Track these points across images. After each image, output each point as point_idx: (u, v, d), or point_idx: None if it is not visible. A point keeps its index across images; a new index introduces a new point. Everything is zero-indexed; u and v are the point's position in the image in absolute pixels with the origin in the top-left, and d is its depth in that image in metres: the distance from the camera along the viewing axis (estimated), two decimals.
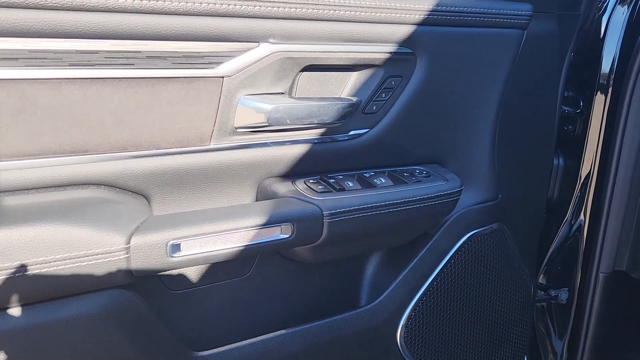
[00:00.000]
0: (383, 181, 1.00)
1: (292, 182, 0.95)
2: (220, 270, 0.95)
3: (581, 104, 1.38)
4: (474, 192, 1.16)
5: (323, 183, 0.96)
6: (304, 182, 0.96)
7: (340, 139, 0.99)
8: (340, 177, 0.99)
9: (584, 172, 1.40)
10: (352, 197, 0.93)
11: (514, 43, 1.08)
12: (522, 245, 1.28)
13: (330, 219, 0.90)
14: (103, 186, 0.82)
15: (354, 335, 1.04)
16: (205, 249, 0.81)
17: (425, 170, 1.07)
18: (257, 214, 0.85)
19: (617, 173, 1.30)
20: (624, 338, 1.56)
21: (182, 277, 0.93)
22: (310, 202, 0.90)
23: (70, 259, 0.71)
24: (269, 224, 0.85)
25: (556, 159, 1.46)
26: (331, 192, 0.94)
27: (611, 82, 1.28)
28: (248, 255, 0.87)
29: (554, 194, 1.48)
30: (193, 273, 0.93)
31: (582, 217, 1.43)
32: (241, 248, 0.84)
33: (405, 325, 1.09)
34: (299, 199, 0.90)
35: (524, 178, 1.27)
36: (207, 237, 0.81)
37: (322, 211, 0.89)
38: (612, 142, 1.30)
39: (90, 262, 0.73)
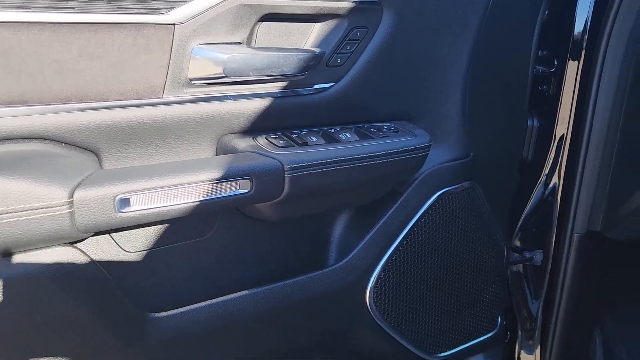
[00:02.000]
0: (348, 136, 0.96)
1: (253, 138, 0.91)
2: (179, 230, 0.92)
3: (555, 64, 1.35)
4: (445, 149, 1.13)
5: (285, 138, 0.92)
6: (266, 138, 0.92)
7: (304, 92, 0.95)
8: (304, 132, 0.95)
9: (558, 133, 1.38)
10: (315, 151, 0.89)
11: None
12: (495, 206, 1.25)
13: (292, 173, 0.86)
14: (47, 140, 0.77)
15: (321, 296, 1.01)
16: (157, 204, 0.77)
17: (393, 127, 1.03)
18: (213, 168, 0.81)
19: (590, 133, 1.28)
20: (599, 299, 1.56)
21: (137, 237, 0.89)
22: (270, 157, 0.86)
23: (6, 213, 0.67)
24: (226, 178, 0.82)
25: (530, 120, 1.43)
26: (293, 146, 0.90)
27: (585, 41, 1.25)
28: (204, 212, 0.83)
29: (528, 154, 1.46)
30: (149, 233, 0.89)
31: (556, 177, 1.41)
32: (196, 204, 0.80)
33: (375, 286, 1.06)
34: (259, 154, 0.86)
35: (497, 137, 1.24)
36: (159, 192, 0.77)
37: (282, 165, 0.86)
38: (585, 102, 1.27)
39: (30, 217, 0.68)
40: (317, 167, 0.88)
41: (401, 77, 1.02)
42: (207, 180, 0.80)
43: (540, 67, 1.39)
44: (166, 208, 0.78)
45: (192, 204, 0.80)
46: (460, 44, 1.06)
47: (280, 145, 0.89)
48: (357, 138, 0.96)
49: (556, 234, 1.44)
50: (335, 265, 1.03)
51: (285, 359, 1.05)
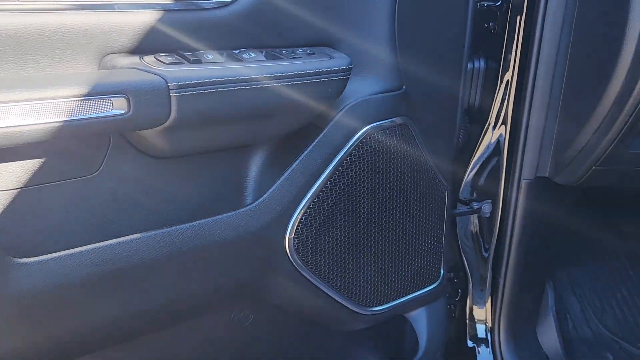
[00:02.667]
0: (253, 56, 0.84)
1: (140, 57, 0.79)
2: (57, 166, 0.79)
3: None
4: (373, 80, 1.02)
5: (176, 56, 0.80)
6: (154, 57, 0.79)
7: (206, 6, 0.83)
8: (201, 52, 0.83)
9: (503, 75, 1.29)
10: (208, 69, 0.78)
11: None
12: (433, 148, 1.16)
13: (179, 92, 0.74)
14: None
15: (233, 239, 0.90)
16: (9, 123, 0.65)
17: (309, 50, 0.92)
18: (80, 83, 0.69)
19: (536, 75, 1.19)
20: (549, 249, 1.49)
21: (5, 173, 0.76)
22: (152, 72, 0.74)
23: None
24: (96, 94, 0.69)
25: (477, 61, 1.34)
26: (183, 64, 0.78)
27: None
28: (69, 135, 0.71)
29: (475, 100, 1.36)
30: (20, 169, 0.77)
31: (502, 123, 1.32)
32: (60, 125, 0.68)
33: (295, 229, 0.95)
34: (139, 69, 0.74)
35: (432, 71, 1.13)
36: (10, 106, 0.65)
37: (167, 83, 0.74)
38: (531, 41, 1.18)
39: None
40: (210, 87, 0.76)
41: None
42: (70, 96, 0.68)
43: (486, 2, 1.30)
44: (21, 128, 0.66)
45: (55, 124, 0.68)
46: None
47: (167, 62, 0.77)
48: (263, 58, 0.85)
49: (504, 183, 1.36)
50: (249, 206, 0.92)
51: (191, 315, 0.94)
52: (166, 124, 0.76)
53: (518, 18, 1.23)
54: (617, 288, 1.69)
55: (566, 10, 1.14)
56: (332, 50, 0.95)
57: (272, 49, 0.90)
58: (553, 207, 1.37)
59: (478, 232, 1.47)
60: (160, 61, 0.77)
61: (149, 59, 0.78)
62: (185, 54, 0.80)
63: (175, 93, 0.74)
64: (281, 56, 0.86)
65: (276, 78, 0.82)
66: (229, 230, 0.89)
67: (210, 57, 0.80)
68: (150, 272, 0.83)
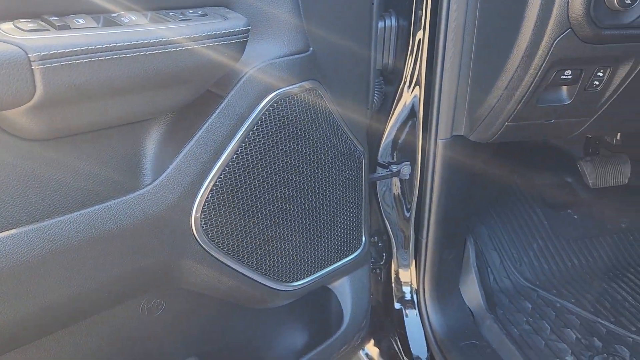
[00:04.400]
0: (134, 19, 0.74)
1: None
2: None
3: None
4: (277, 42, 0.94)
5: (39, 22, 0.69)
6: (12, 24, 0.68)
7: None
8: (71, 16, 0.72)
9: (415, 34, 1.25)
10: (79, 35, 0.67)
11: None
12: (347, 113, 1.11)
13: (43, 64, 0.64)
14: None
15: (131, 225, 0.81)
16: None
17: (200, 11, 0.83)
18: None
19: (447, 34, 1.16)
20: (469, 207, 1.50)
21: None
22: (7, 42, 0.63)
23: None
24: None
25: (388, 20, 1.29)
26: (48, 30, 0.67)
27: None
28: None
29: (389, 60, 1.32)
30: None
31: (417, 84, 1.29)
32: None
33: (202, 208, 0.88)
34: None
35: (340, 31, 1.07)
36: None
37: (27, 54, 0.63)
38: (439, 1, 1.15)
39: None
40: (81, 56, 0.66)
41: None
42: None
43: None
44: None
45: None
46: None
47: (27, 30, 0.66)
48: (145, 21, 0.75)
49: (421, 143, 1.34)
50: (146, 188, 0.83)
51: (95, 310, 0.86)
52: (31, 102, 0.65)
53: None
54: (533, 239, 1.75)
55: None
56: (227, 10, 0.86)
57: (158, 10, 0.80)
58: (470, 164, 1.37)
59: (399, 193, 1.46)
60: (20, 28, 0.66)
61: (6, 26, 0.67)
62: (52, 19, 0.69)
63: (39, 65, 0.63)
64: (168, 19, 0.77)
65: (161, 44, 0.73)
66: (126, 216, 0.81)
67: (82, 22, 0.70)
68: (33, 271, 0.74)
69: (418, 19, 1.22)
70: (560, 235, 1.76)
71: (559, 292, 1.58)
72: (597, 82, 1.13)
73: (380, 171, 1.39)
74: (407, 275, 1.48)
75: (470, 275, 1.53)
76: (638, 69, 1.11)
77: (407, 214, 1.45)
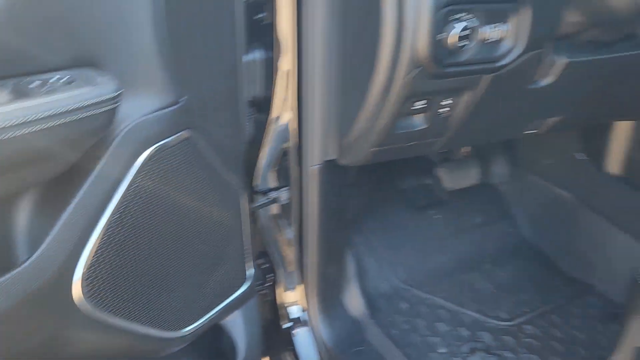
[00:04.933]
0: None
1: None
2: None
3: None
4: (148, 98, 0.94)
5: None
6: None
7: None
8: None
9: (281, 65, 1.30)
10: None
11: None
12: (223, 152, 1.13)
13: None
14: None
15: (13, 306, 0.78)
16: None
17: (68, 76, 0.80)
18: None
19: (314, 64, 1.22)
20: (346, 222, 1.60)
21: None
22: None
23: None
24: None
25: (254, 53, 1.33)
26: None
27: None
28: None
29: (257, 91, 1.37)
30: None
31: (286, 112, 1.35)
32: None
33: (85, 274, 0.86)
34: None
35: (210, 76, 1.10)
36: None
37: None
38: (302, 30, 1.21)
39: None
40: None
41: (68, 8, 0.79)
42: None
43: None
44: None
45: None
46: None
47: None
48: (7, 98, 0.72)
49: (296, 169, 1.41)
50: (23, 265, 0.80)
51: None
52: None
53: (288, 6, 1.23)
54: (406, 240, 1.90)
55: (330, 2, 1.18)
56: (95, 73, 0.84)
57: (21, 77, 0.76)
58: (344, 183, 1.46)
59: (281, 216, 1.52)
60: None
61: None
62: None
63: None
64: (29, 92, 0.74)
65: (23, 125, 0.70)
66: (7, 295, 0.77)
67: None
68: None
69: (282, 50, 1.27)
70: (427, 235, 1.94)
71: (431, 288, 1.75)
72: (446, 109, 1.27)
73: (260, 199, 1.43)
74: (293, 295, 1.55)
75: (353, 285, 1.64)
76: (478, 97, 1.27)
77: (290, 236, 1.51)
